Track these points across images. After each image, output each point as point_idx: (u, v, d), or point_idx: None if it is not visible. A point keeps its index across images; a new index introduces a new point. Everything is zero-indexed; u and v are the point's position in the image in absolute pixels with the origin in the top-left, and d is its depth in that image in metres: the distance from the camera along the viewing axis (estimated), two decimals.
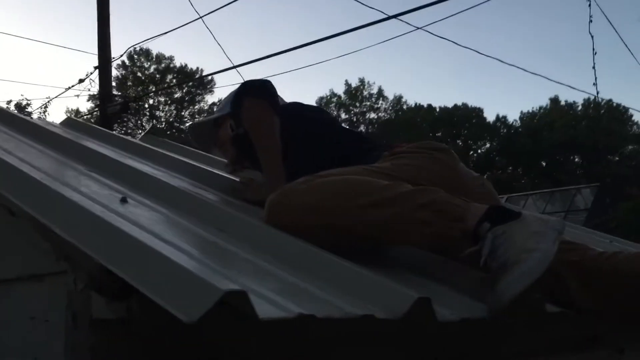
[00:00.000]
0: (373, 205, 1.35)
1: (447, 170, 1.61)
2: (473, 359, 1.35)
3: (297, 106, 2.04)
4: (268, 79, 1.86)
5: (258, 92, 1.80)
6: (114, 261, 0.85)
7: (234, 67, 7.63)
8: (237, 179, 1.93)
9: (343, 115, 37.01)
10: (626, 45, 7.44)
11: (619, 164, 34.28)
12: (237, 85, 1.91)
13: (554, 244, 1.22)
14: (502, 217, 1.28)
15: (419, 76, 56.51)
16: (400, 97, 41.59)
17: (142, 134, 2.94)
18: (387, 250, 1.49)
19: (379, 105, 40.29)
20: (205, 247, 1.12)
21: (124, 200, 1.25)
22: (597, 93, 6.47)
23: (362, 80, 40.60)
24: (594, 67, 6.36)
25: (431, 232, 1.32)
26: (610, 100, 30.40)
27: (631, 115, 36.73)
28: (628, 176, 21.74)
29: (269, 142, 1.76)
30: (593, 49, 6.25)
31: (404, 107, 41.19)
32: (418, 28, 6.66)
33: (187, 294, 0.74)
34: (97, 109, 7.76)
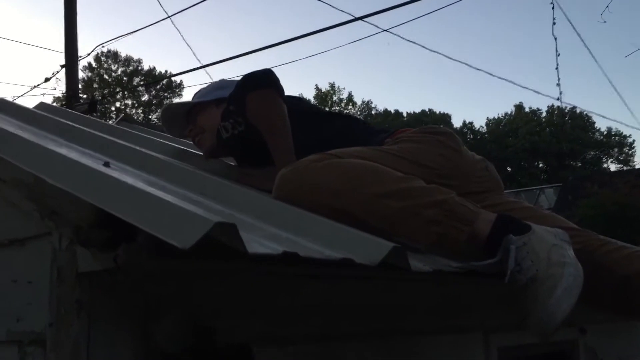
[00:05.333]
0: (384, 196, 1.34)
1: (451, 153, 1.61)
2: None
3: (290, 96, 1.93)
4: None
5: (264, 82, 1.72)
6: (107, 205, 0.87)
7: (202, 66, 7.64)
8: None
9: None
10: (587, 47, 7.72)
11: (581, 169, 35.24)
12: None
13: (574, 256, 1.25)
14: (515, 227, 1.29)
15: (388, 81, 57.04)
16: (369, 103, 42.05)
17: (117, 120, 2.92)
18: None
19: (348, 110, 40.55)
20: (192, 202, 1.15)
21: (106, 165, 1.27)
22: (560, 94, 6.74)
23: (332, 85, 40.89)
24: (557, 68, 6.62)
25: (437, 231, 1.31)
26: (574, 107, 31.25)
27: (593, 123, 37.81)
28: (589, 175, 22.41)
29: (283, 131, 1.69)
30: (556, 50, 6.51)
31: (373, 112, 41.62)
32: (384, 30, 6.78)
33: (180, 227, 0.77)
34: (64, 107, 7.62)
